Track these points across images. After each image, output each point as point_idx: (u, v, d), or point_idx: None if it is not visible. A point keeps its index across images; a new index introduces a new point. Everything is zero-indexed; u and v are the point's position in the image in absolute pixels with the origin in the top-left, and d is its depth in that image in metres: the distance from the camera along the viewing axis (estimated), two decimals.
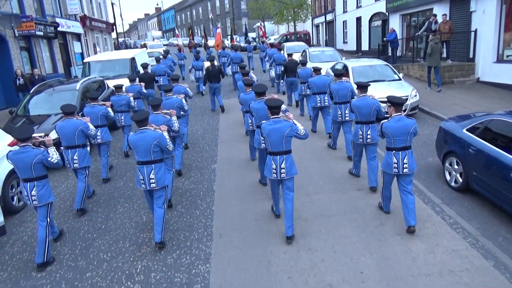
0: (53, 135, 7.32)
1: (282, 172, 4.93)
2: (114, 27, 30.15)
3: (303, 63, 10.54)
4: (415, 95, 10.28)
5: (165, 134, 5.07)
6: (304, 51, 17.81)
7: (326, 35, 26.58)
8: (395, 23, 19.39)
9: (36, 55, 17.05)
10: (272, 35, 41.64)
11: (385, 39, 17.50)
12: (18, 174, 4.85)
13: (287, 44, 21.85)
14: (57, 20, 19.18)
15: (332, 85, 7.66)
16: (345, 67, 11.84)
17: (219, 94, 12.44)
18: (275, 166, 4.93)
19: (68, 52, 20.96)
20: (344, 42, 27.98)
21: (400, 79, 11.11)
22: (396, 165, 5.00)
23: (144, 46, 36.15)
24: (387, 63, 11.92)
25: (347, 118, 7.55)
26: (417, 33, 15.67)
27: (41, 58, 17.45)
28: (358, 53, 25.09)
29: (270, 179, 5.18)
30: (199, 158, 8.46)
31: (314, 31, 35.69)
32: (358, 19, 24.90)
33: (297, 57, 16.48)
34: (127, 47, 50.36)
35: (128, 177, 7.74)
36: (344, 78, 7.62)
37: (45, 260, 4.88)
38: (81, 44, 23.08)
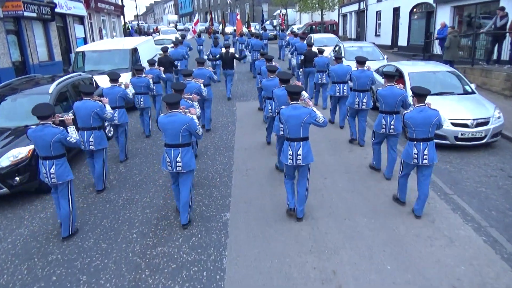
0: None
1: (298, 158, 4.93)
2: (122, 9, 27.63)
3: (320, 51, 10.29)
4: (499, 117, 7.67)
5: (195, 118, 5.04)
6: (337, 46, 15.18)
7: (358, 26, 23.69)
8: (444, 16, 16.53)
9: (27, 39, 14.79)
10: (294, 24, 38.77)
11: (436, 35, 14.68)
12: (38, 151, 4.87)
13: (314, 36, 19.24)
14: (55, 0, 16.85)
15: (353, 72, 7.58)
16: (398, 72, 9.26)
17: (230, 82, 12.37)
18: (291, 152, 4.95)
19: (68, 37, 18.66)
20: (377, 35, 25.06)
21: (473, 92, 8.48)
22: (416, 155, 5.02)
23: (157, 31, 33.81)
24: (454, 69, 9.25)
25: (363, 107, 7.50)
26: (481, 31, 12.87)
27: (33, 43, 15.19)
28: (393, 48, 22.25)
29: (286, 165, 5.14)
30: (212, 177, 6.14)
31: (341, 22, 32.70)
32: (396, 10, 21.95)
33: (327, 52, 14.07)
34: (141, 31, 48.10)
35: (99, 232, 5.43)
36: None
37: (70, 233, 5.11)
38: (84, 28, 20.72)
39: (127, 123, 7.59)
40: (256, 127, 9.48)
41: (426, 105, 4.98)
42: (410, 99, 5.50)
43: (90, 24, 21.95)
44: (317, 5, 25.85)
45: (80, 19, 20.52)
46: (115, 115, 7.11)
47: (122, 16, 28.38)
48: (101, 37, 23.31)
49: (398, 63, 9.87)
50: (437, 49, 15.64)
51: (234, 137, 8.94)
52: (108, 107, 6.20)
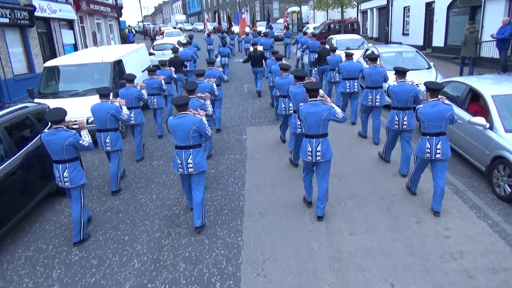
0: None
1: (317, 155, 4.94)
2: (119, 10, 24.98)
3: (333, 49, 10.22)
4: None
5: (204, 119, 4.99)
6: (367, 50, 12.52)
7: (387, 25, 20.84)
8: (496, 11, 13.68)
9: None
10: (307, 22, 36.00)
11: (493, 35, 11.87)
12: (51, 155, 4.82)
13: (336, 37, 16.54)
14: (35, 2, 14.47)
15: (365, 69, 7.58)
16: (471, 92, 6.61)
17: (260, 79, 12.29)
18: (310, 149, 4.95)
19: (53, 44, 16.28)
20: (404, 34, 22.19)
21: None
22: (429, 150, 5.01)
23: (161, 33, 31.46)
24: None
25: (377, 104, 7.44)
26: None
27: (5, 54, 12.84)
28: (425, 49, 19.39)
29: (304, 161, 5.16)
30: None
31: (360, 19, 29.82)
32: (429, 5, 19.12)
33: (355, 57, 11.43)
34: (146, 33, 45.94)
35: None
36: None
37: (81, 238, 5.05)
38: (74, 33, 18.34)
39: (143, 123, 7.69)
40: (275, 169, 6.92)
41: (440, 99, 4.98)
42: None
43: (82, 28, 19.57)
44: (336, 2, 22.97)
45: (69, 24, 18.13)
46: (132, 115, 7.23)
47: (120, 18, 25.89)
48: (95, 43, 20.95)
49: (469, 80, 7.13)
50: (491, 51, 12.84)
51: (243, 189, 6.37)
52: (124, 109, 6.31)
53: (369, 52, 12.29)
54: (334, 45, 14.87)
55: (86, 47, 19.14)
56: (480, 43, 13.30)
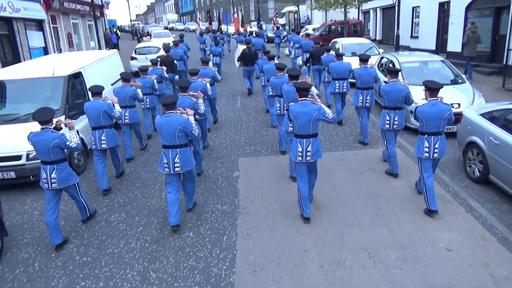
0: None
1: (308, 155, 4.90)
2: (100, 9, 22.52)
3: (327, 49, 10.14)
4: None
5: (191, 118, 4.96)
6: (382, 58, 10.60)
7: (397, 27, 18.82)
8: None
9: None
10: (305, 22, 34.06)
11: None
12: (38, 156, 4.81)
13: (342, 41, 14.61)
14: None
15: (356, 69, 7.59)
16: None
17: (251, 78, 12.27)
18: (301, 149, 4.90)
19: (16, 48, 14.09)
20: (413, 37, 20.32)
21: None
22: (427, 149, 5.00)
23: (148, 35, 29.35)
24: None
25: (367, 104, 7.47)
26: None
27: None
28: (438, 54, 17.47)
29: (297, 164, 5.03)
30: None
31: (361, 20, 27.92)
32: (443, 5, 17.24)
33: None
34: (135, 33, 43.72)
35: None
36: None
37: (88, 214, 5.48)
38: (44, 35, 16.14)
39: (138, 122, 7.59)
40: (278, 233, 4.94)
41: (439, 99, 4.93)
42: None
43: (54, 29, 17.36)
44: (340, 1, 20.96)
45: (38, 24, 15.96)
46: (126, 114, 7.19)
47: (106, 17, 23.61)
48: (70, 45, 18.76)
49: None
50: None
51: (232, 271, 4.34)
52: (117, 106, 6.21)
53: (383, 60, 10.42)
54: (340, 50, 13.10)
55: (60, 51, 16.99)
56: (481, 43, 13.09)
